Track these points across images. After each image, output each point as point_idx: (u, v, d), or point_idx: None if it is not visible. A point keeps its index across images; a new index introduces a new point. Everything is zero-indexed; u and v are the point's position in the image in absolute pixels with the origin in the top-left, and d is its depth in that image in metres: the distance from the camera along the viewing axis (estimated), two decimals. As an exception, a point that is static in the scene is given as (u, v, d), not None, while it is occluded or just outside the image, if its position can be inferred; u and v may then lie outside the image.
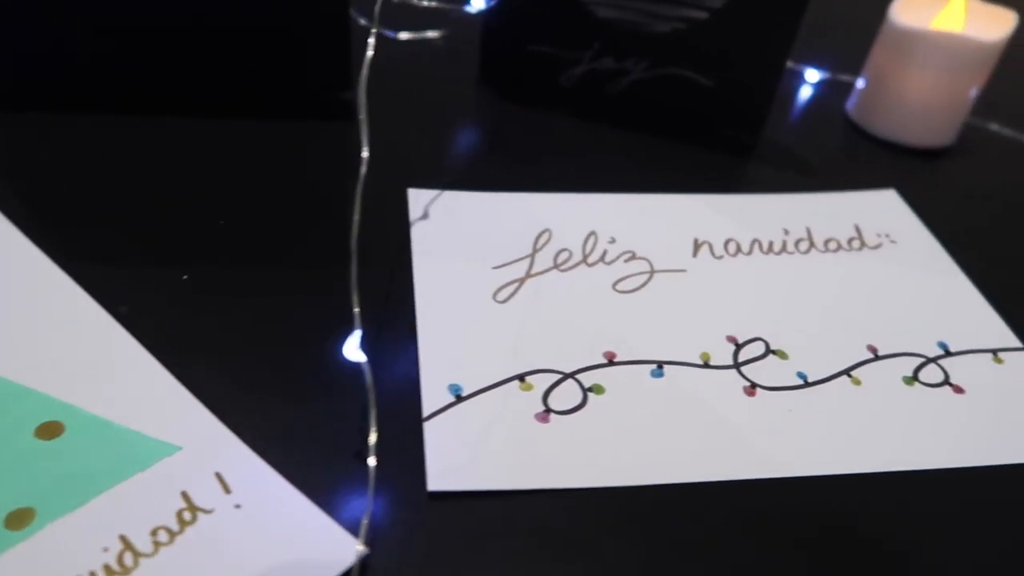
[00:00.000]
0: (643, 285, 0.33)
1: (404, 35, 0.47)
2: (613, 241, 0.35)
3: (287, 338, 0.29)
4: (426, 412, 0.27)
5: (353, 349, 0.27)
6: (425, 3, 0.47)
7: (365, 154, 0.30)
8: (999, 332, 0.33)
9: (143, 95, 0.39)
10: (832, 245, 0.36)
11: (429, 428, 0.26)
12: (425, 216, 0.35)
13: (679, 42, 0.41)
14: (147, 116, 0.39)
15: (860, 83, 0.45)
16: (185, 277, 0.31)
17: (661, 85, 0.43)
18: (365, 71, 0.30)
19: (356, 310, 0.27)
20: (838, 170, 0.43)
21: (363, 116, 0.31)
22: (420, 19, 0.48)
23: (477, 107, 0.43)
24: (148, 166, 0.36)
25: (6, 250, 0.30)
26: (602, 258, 0.34)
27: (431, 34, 0.47)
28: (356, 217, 0.30)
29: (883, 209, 0.39)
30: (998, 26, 0.41)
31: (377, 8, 0.35)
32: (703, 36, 0.40)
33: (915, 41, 0.41)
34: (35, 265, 0.30)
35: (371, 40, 0.32)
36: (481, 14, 0.42)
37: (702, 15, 0.40)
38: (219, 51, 0.39)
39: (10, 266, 0.30)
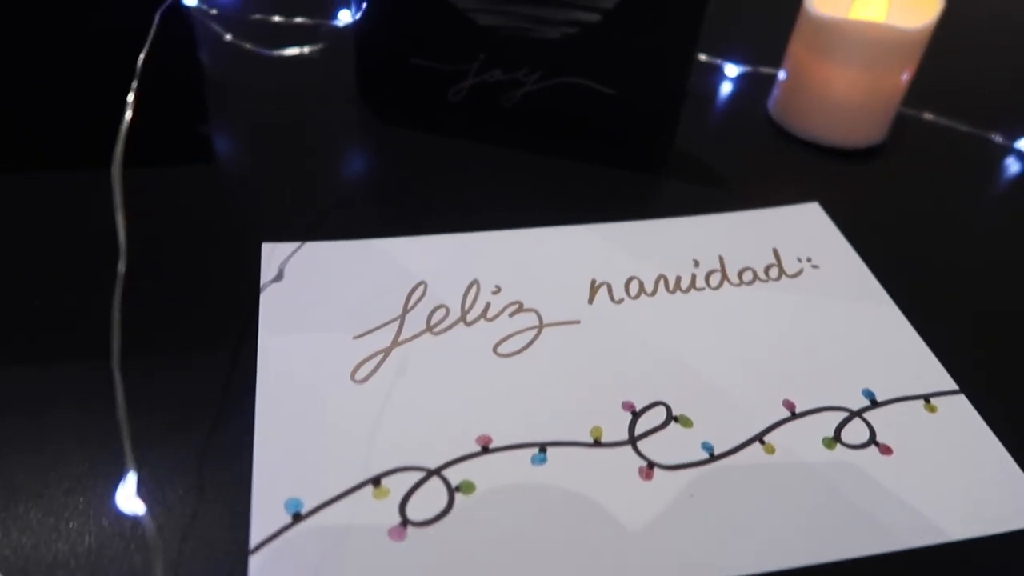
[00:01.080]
0: (529, 344, 0.29)
1: (270, 52, 0.42)
2: (498, 291, 0.31)
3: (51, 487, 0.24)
4: (254, 541, 0.22)
5: (128, 497, 0.22)
6: (281, 19, 0.41)
7: (121, 267, 0.23)
8: (932, 373, 0.29)
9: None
10: (747, 276, 0.32)
11: (256, 563, 0.22)
12: (279, 277, 0.30)
13: (572, 48, 0.36)
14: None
15: (779, 82, 0.41)
16: None
17: (558, 96, 0.38)
18: (120, 148, 0.24)
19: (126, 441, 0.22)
20: (758, 178, 0.39)
21: (118, 201, 0.24)
22: (289, 37, 0.42)
23: (353, 132, 0.39)
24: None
25: None
26: (484, 313, 0.30)
27: (304, 50, 0.42)
28: (116, 314, 0.25)
29: (805, 228, 0.35)
30: (923, 11, 0.37)
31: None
32: (597, 40, 0.36)
33: (833, 32, 0.37)
34: None
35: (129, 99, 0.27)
36: (351, 27, 0.37)
37: (593, 17, 0.35)
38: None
39: None
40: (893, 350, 0.30)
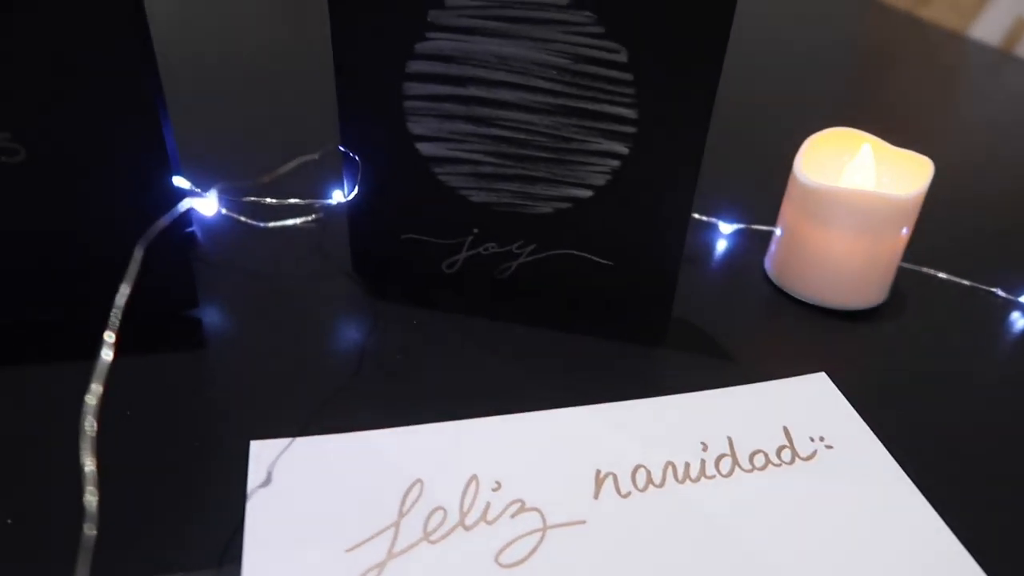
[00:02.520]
0: (533, 551, 0.27)
1: (264, 224, 0.42)
2: (498, 487, 0.29)
3: None
4: None
5: None
6: (274, 201, 0.42)
7: (92, 532, 0.21)
8: (964, 569, 0.27)
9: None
10: (759, 460, 0.31)
11: None
12: (268, 481, 0.29)
13: (566, 222, 0.36)
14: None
15: (775, 239, 0.41)
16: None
17: (553, 267, 0.38)
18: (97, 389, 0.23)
19: None
20: (759, 344, 0.38)
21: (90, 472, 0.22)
22: (282, 214, 0.43)
23: (346, 307, 0.38)
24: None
25: None
26: (484, 515, 0.28)
27: (296, 222, 0.42)
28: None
29: (814, 401, 0.34)
30: (914, 176, 0.37)
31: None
32: (591, 213, 0.36)
33: (825, 200, 0.37)
34: None
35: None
36: (345, 204, 0.38)
37: (586, 193, 0.36)
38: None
39: None
40: (920, 544, 0.28)
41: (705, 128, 0.33)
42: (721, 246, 0.44)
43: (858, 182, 0.37)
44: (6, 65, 0.29)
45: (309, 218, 0.42)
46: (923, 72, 0.79)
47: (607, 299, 0.38)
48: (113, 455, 0.24)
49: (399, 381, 0.34)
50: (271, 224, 0.42)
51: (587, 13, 0.31)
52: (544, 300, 0.39)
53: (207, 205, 0.36)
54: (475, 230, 0.37)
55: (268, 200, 0.41)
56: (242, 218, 0.42)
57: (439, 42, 0.33)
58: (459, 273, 0.39)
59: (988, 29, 0.87)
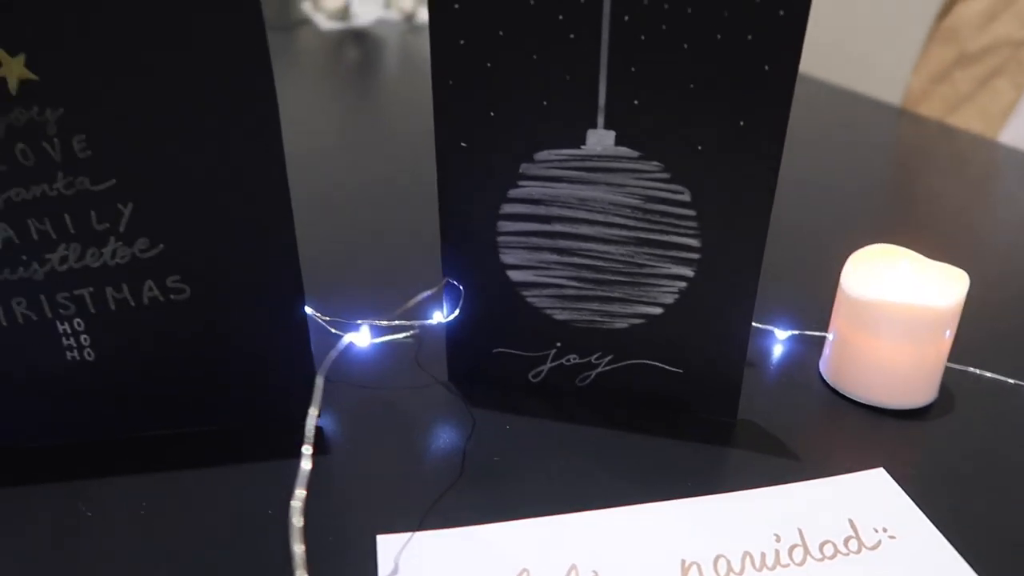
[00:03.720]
0: (632, 633, 0.31)
1: (369, 342, 0.48)
2: (595, 574, 0.33)
3: None
4: None
5: None
6: (387, 322, 0.48)
7: None
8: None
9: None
10: (828, 549, 0.34)
11: None
12: (396, 571, 0.33)
13: (639, 335, 0.41)
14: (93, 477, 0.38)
15: (828, 344, 0.45)
16: None
17: (629, 375, 0.42)
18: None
19: None
20: (819, 442, 0.41)
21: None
22: (384, 332, 0.49)
23: (446, 415, 0.43)
24: (92, 532, 0.35)
25: None
26: (586, 600, 0.32)
27: (398, 336, 0.48)
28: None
29: (875, 495, 0.37)
30: (952, 287, 0.41)
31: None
32: (661, 327, 0.41)
33: (869, 311, 0.41)
34: None
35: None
36: (444, 324, 0.43)
37: (656, 310, 0.41)
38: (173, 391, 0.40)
39: None
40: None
41: (761, 252, 0.38)
42: (778, 351, 0.49)
43: (901, 294, 0.41)
44: (183, 225, 0.36)
45: (407, 335, 0.48)
46: (956, 178, 0.83)
47: (677, 403, 0.43)
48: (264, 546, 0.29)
49: (498, 480, 0.39)
50: (375, 340, 0.48)
51: (655, 162, 0.37)
52: (621, 404, 0.43)
53: (361, 337, 0.42)
54: (558, 344, 0.43)
55: (380, 322, 0.47)
56: (349, 334, 0.48)
57: (529, 188, 0.39)
58: (544, 382, 0.44)
59: (1017, 134, 0.92)
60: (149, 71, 0.33)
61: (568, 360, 0.43)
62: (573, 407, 0.43)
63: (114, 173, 0.35)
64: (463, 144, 0.38)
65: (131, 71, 0.33)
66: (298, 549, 0.26)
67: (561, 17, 0.35)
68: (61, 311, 0.37)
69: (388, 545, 0.34)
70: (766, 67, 0.34)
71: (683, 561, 0.33)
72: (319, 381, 0.36)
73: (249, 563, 0.34)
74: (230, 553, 0.34)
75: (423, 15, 1.55)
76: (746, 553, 0.34)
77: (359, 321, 0.46)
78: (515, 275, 0.41)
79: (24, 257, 0.36)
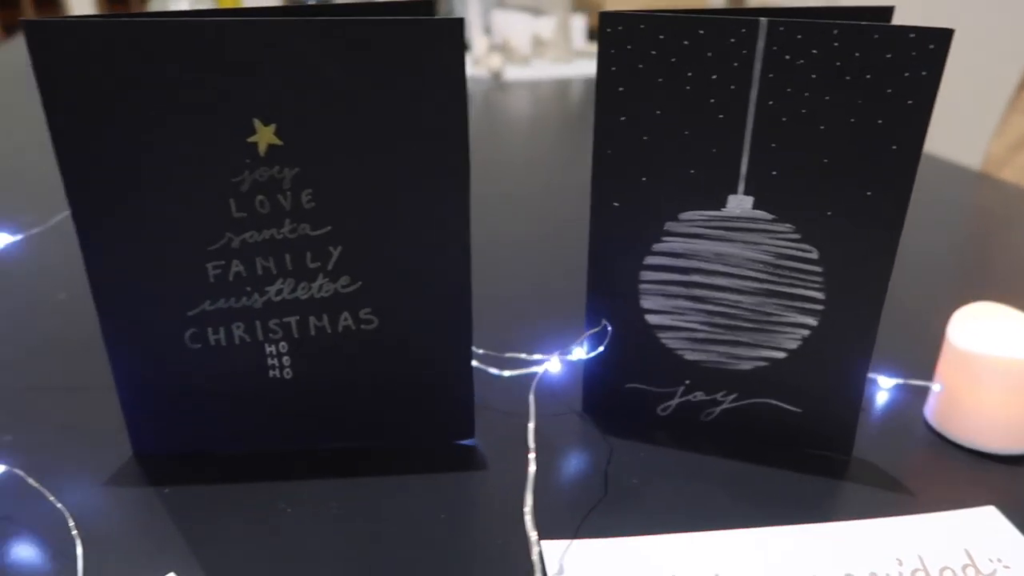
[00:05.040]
0: (775, 635, 0.35)
1: (507, 373, 0.53)
2: (737, 585, 0.37)
3: None
4: None
5: None
6: (524, 355, 0.53)
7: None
8: None
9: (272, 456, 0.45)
10: (948, 575, 0.38)
11: None
12: (561, 571, 0.38)
13: (763, 376, 0.46)
14: (280, 479, 0.44)
15: (934, 393, 0.49)
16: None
17: (751, 412, 0.47)
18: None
19: None
20: (930, 481, 0.45)
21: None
22: (520, 364, 0.54)
23: (583, 442, 0.48)
24: (293, 528, 0.41)
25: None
26: (730, 606, 0.36)
27: (536, 369, 0.53)
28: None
29: (987, 529, 0.41)
30: (1053, 342, 0.45)
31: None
32: (784, 371, 0.46)
33: (979, 364, 0.45)
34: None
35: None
36: (581, 361, 0.49)
37: (780, 355, 0.45)
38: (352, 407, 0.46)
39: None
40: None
41: (880, 306, 0.43)
42: (883, 397, 0.53)
43: (1007, 348, 0.45)
44: (378, 267, 0.42)
45: (542, 369, 0.54)
46: (1041, 240, 0.86)
47: (795, 439, 0.47)
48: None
49: (638, 499, 0.43)
50: (511, 373, 0.53)
51: (788, 224, 0.42)
52: (742, 438, 0.48)
53: (553, 365, 0.48)
54: (687, 381, 0.48)
55: (522, 355, 0.53)
56: (492, 370, 0.53)
57: (672, 243, 0.44)
58: (671, 416, 0.49)
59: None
60: (367, 141, 0.40)
61: (695, 396, 0.48)
62: (698, 439, 0.48)
63: (330, 221, 0.41)
64: (615, 204, 0.44)
65: (353, 142, 0.39)
66: (535, 543, 0.32)
67: (712, 101, 0.40)
68: (271, 335, 0.44)
69: (552, 549, 0.39)
70: (894, 147, 0.39)
71: (815, 577, 0.38)
72: (531, 398, 0.42)
73: (421, 553, 0.39)
74: (404, 546, 0.40)
75: (510, 73, 1.64)
76: (872, 574, 0.38)
77: (523, 355, 0.51)
78: (652, 319, 0.46)
79: (248, 288, 0.42)
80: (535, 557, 0.36)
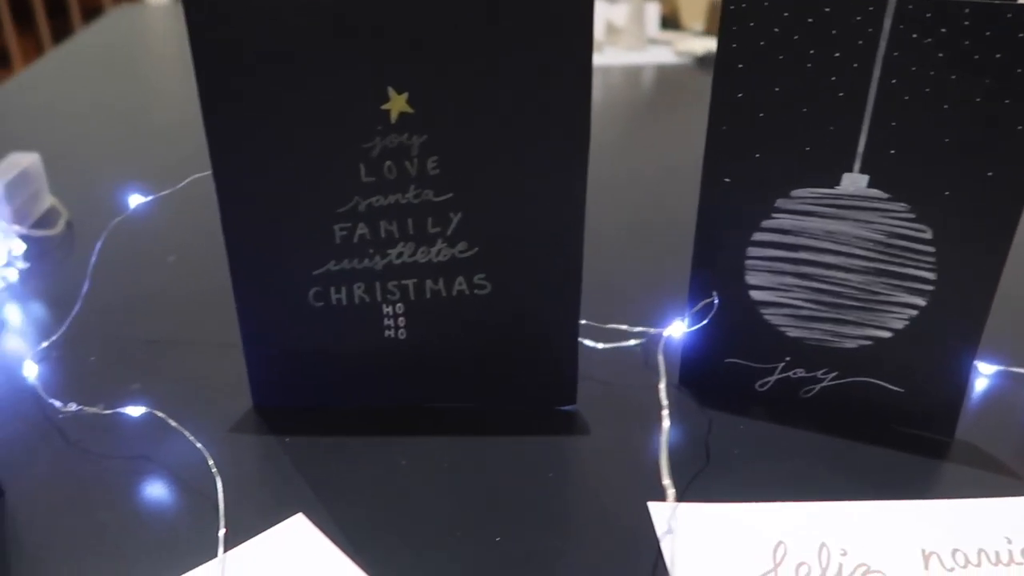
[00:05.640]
0: (886, 601, 0.36)
1: (602, 345, 0.55)
2: (844, 553, 0.38)
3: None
4: None
5: None
6: (623, 327, 0.55)
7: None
8: None
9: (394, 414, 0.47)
10: (1059, 554, 0.38)
11: None
12: (669, 531, 0.39)
13: (866, 355, 0.46)
14: (394, 434, 0.46)
15: (1038, 380, 0.49)
16: (479, 597, 0.36)
17: (851, 391, 0.48)
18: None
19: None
20: (1031, 467, 0.45)
21: None
22: (617, 336, 0.56)
23: (683, 413, 0.49)
24: (409, 479, 0.43)
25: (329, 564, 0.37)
26: (840, 571, 0.37)
27: (629, 343, 0.55)
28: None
29: (1098, 513, 0.41)
30: None
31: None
32: (889, 351, 0.46)
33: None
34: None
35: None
36: (682, 337, 0.50)
37: (885, 334, 0.46)
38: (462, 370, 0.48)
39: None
40: None
41: (993, 290, 0.43)
42: (983, 383, 0.52)
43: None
44: (495, 234, 0.44)
45: (638, 342, 0.55)
46: None
47: (896, 418, 0.47)
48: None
49: (739, 469, 0.44)
50: (606, 346, 0.54)
51: (903, 203, 0.42)
52: (841, 416, 0.48)
53: (676, 329, 0.49)
54: (787, 358, 0.48)
55: (617, 325, 0.54)
56: (586, 341, 0.55)
57: (781, 220, 0.45)
58: (769, 391, 0.49)
59: None
60: (493, 112, 0.41)
61: (795, 373, 0.48)
62: (796, 416, 0.49)
63: (453, 188, 0.43)
64: (727, 180, 0.45)
65: (480, 112, 0.41)
66: (671, 498, 0.34)
67: (834, 79, 0.41)
68: (389, 296, 0.46)
69: (659, 511, 0.41)
70: (1020, 127, 0.39)
71: (923, 550, 0.38)
72: (660, 358, 0.44)
73: (529, 510, 0.41)
74: (513, 502, 0.42)
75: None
76: (981, 550, 0.38)
77: (624, 327, 0.53)
78: (756, 294, 0.47)
79: (371, 251, 0.45)
80: (661, 514, 0.38)
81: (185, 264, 0.65)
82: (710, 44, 1.40)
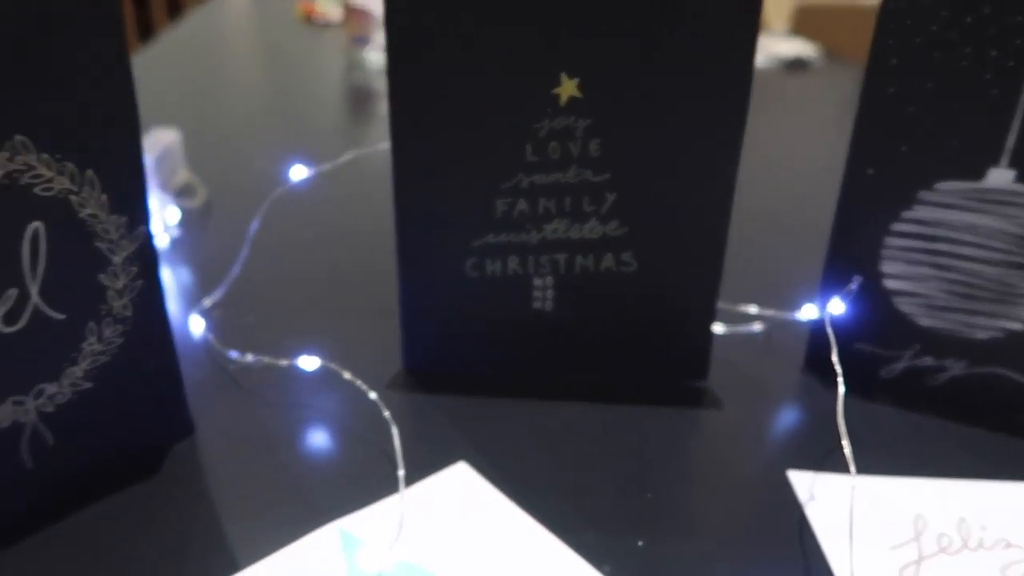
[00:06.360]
0: (1030, 572, 0.37)
1: (728, 327, 0.57)
2: (984, 528, 0.40)
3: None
4: None
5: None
6: (751, 309, 0.57)
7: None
8: None
9: (540, 383, 0.51)
10: None
11: None
12: (812, 498, 0.42)
13: (997, 346, 0.48)
14: (544, 400, 0.49)
15: None
16: (640, 543, 0.39)
17: (979, 380, 0.49)
18: None
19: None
20: None
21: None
22: (742, 319, 0.58)
23: (811, 393, 0.51)
24: (558, 439, 0.46)
25: (506, 519, 0.40)
26: (981, 544, 0.39)
27: (754, 327, 0.57)
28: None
29: None
30: None
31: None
32: (1021, 342, 0.47)
33: None
34: (531, 532, 0.39)
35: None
36: (809, 321, 0.52)
37: (1018, 326, 0.47)
38: (603, 344, 0.51)
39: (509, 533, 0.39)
40: None
41: None
42: (1105, 382, 0.53)
43: None
44: (645, 215, 0.46)
45: (763, 327, 0.57)
46: None
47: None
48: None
49: (871, 446, 0.46)
50: (733, 329, 0.57)
51: (1048, 199, 0.44)
52: (967, 405, 0.50)
53: (836, 306, 0.50)
54: (916, 346, 0.50)
55: (750, 308, 0.57)
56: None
57: (922, 212, 0.47)
58: (895, 378, 0.51)
59: None
60: (656, 98, 0.44)
61: (923, 361, 0.50)
62: (922, 402, 0.50)
63: (611, 169, 0.46)
64: (870, 171, 0.47)
65: (644, 98, 0.44)
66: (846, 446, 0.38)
67: (988, 76, 0.43)
68: (540, 269, 0.49)
69: (799, 479, 0.43)
70: None
71: (1060, 529, 0.40)
72: (828, 330, 0.46)
73: (673, 475, 0.44)
74: (651, 457, 0.45)
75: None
76: (1119, 532, 0.40)
77: (752, 308, 0.55)
78: (890, 283, 0.49)
79: (528, 225, 0.48)
80: (802, 483, 0.40)
81: (335, 237, 0.70)
82: (798, 47, 1.40)
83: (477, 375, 0.52)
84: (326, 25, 1.58)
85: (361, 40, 1.31)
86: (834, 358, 0.45)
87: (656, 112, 0.44)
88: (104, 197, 0.38)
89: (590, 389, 0.51)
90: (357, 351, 0.53)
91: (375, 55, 1.29)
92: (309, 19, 1.63)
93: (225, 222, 0.71)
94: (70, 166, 0.36)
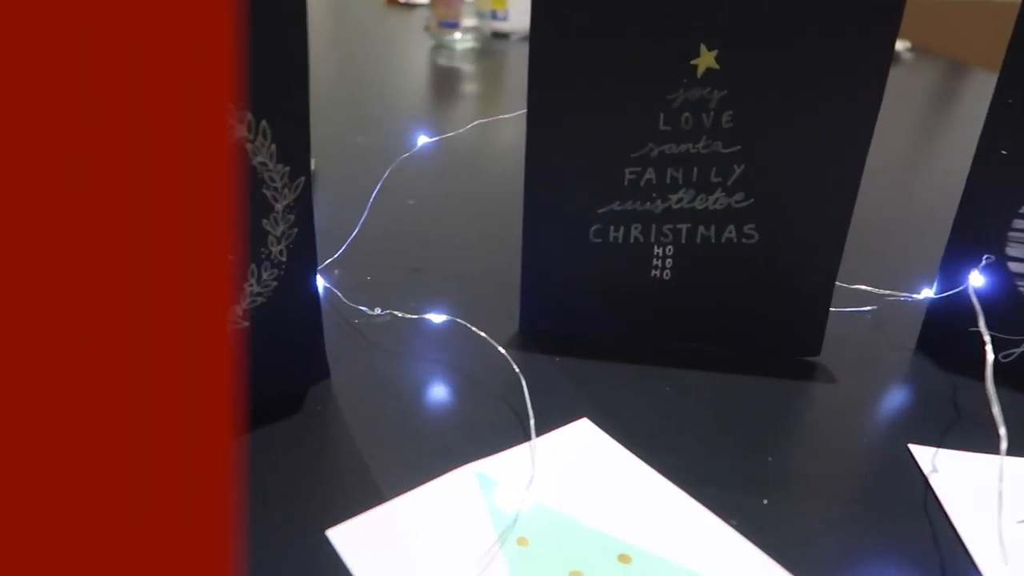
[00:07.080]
0: None
1: (840, 306, 0.57)
2: (1112, 509, 0.40)
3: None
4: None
5: None
6: (868, 288, 0.57)
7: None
8: None
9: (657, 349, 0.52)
10: None
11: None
12: (934, 470, 0.42)
13: (1124, 334, 0.48)
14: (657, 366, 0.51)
15: None
16: (765, 501, 0.40)
17: (1103, 368, 0.49)
18: None
19: None
20: None
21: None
22: (854, 300, 0.58)
23: (923, 375, 0.52)
24: (676, 403, 0.47)
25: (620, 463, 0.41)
26: (1111, 524, 0.39)
27: (865, 308, 0.57)
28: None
29: None
30: None
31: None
32: None
33: None
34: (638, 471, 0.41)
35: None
36: (926, 300, 0.52)
37: None
38: (722, 315, 0.52)
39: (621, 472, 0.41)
40: None
41: None
42: None
43: None
44: (771, 188, 0.47)
45: (875, 307, 0.57)
46: None
47: None
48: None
49: (988, 427, 0.47)
50: (843, 310, 0.57)
51: None
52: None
53: (976, 279, 0.50)
54: (1038, 332, 0.50)
55: (861, 287, 0.57)
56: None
57: (1055, 195, 0.47)
58: (1013, 364, 0.51)
59: None
60: (792, 72, 0.45)
61: (1043, 347, 0.50)
62: (1039, 388, 0.50)
63: (741, 141, 0.47)
64: (1003, 152, 0.47)
65: (780, 72, 0.45)
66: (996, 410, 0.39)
67: None
68: (662, 239, 0.50)
69: (921, 453, 0.44)
70: None
71: None
72: (975, 300, 0.47)
73: (789, 446, 0.45)
74: (770, 424, 0.46)
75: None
76: None
77: (866, 287, 0.56)
78: (1015, 266, 0.49)
79: (654, 195, 0.49)
80: (925, 456, 0.40)
81: (455, 203, 0.72)
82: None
83: (590, 339, 0.53)
84: (407, 5, 1.61)
85: (449, 25, 1.34)
86: (974, 329, 0.45)
87: (790, 87, 0.45)
88: (273, 147, 0.40)
89: (702, 358, 0.52)
90: (473, 313, 0.56)
91: (462, 37, 1.31)
92: (393, 1, 1.66)
93: (341, 191, 0.74)
94: (248, 115, 0.39)
